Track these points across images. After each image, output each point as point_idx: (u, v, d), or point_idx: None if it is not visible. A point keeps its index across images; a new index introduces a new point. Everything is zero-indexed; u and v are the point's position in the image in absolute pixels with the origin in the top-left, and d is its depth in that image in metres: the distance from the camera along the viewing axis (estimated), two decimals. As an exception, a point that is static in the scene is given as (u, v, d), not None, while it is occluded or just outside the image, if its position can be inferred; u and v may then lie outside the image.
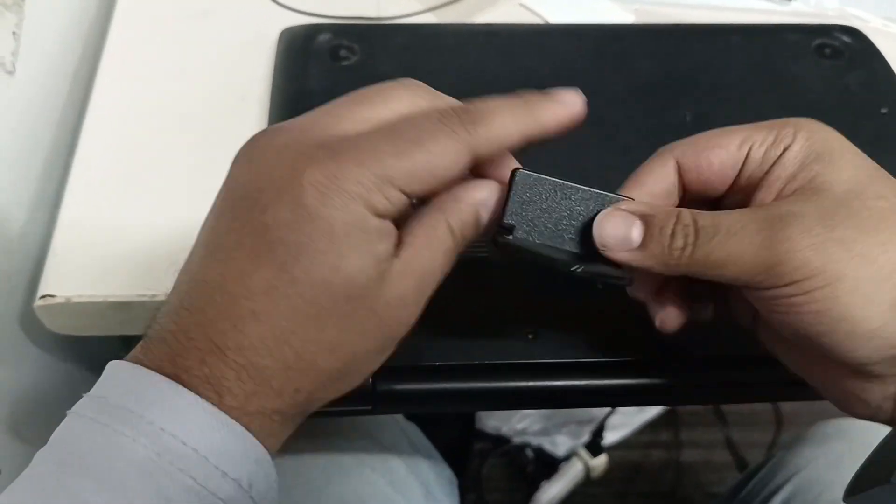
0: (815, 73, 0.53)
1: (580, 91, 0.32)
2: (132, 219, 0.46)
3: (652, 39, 0.54)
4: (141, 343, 0.29)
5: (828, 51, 0.54)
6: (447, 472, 0.73)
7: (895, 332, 0.29)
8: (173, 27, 0.57)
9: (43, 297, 0.43)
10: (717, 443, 1.23)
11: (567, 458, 1.17)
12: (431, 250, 0.30)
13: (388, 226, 0.29)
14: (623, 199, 0.32)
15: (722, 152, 0.32)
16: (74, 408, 0.28)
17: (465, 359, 0.39)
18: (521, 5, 0.59)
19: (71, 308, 0.43)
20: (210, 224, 0.30)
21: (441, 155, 0.28)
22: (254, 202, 0.28)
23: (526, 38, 0.54)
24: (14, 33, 0.48)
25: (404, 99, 0.30)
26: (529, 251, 0.31)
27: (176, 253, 0.45)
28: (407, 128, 0.28)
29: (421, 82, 0.31)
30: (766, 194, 0.31)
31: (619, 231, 0.31)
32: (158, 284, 0.44)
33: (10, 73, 0.48)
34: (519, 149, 0.32)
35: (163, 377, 0.27)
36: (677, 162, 0.33)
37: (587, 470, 1.15)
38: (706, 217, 0.30)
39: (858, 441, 0.63)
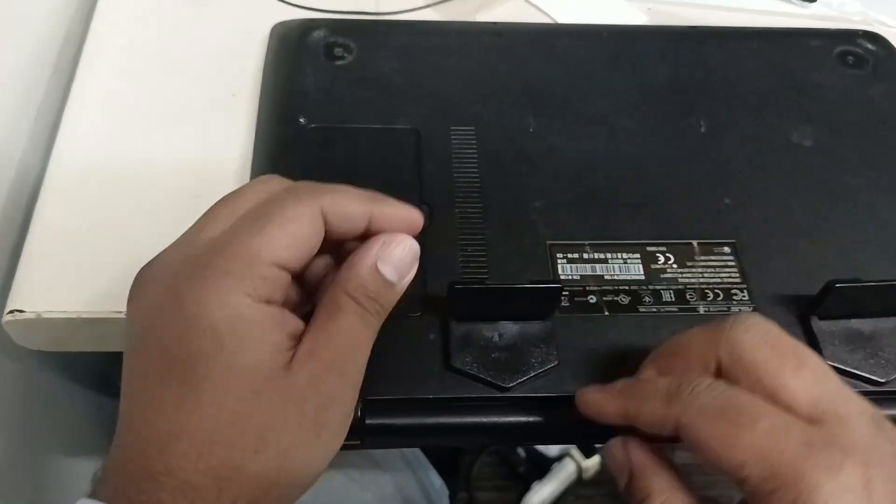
0: (837, 82, 0.50)
1: (420, 213, 0.34)
2: (110, 228, 0.43)
3: (665, 42, 0.51)
4: (98, 477, 0.29)
5: (850, 59, 0.52)
6: (438, 483, 0.71)
7: None
8: (160, 16, 0.53)
9: (11, 311, 0.40)
10: (711, 444, 1.21)
11: (559, 458, 1.15)
12: (337, 325, 0.30)
13: (276, 311, 0.29)
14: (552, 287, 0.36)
15: None
16: None
17: (461, 392, 0.36)
18: (528, 2, 0.56)
19: (41, 324, 0.40)
20: (124, 365, 0.30)
21: (295, 219, 0.30)
22: (149, 331, 0.29)
23: (533, 38, 0.51)
24: (-15, 24, 0.45)
25: (260, 190, 0.32)
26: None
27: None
28: (261, 208, 0.30)
29: (277, 175, 0.33)
30: None
31: None
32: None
33: (-20, 67, 0.45)
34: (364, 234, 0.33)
35: None
36: None
37: (579, 471, 1.13)
38: None
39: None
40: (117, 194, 0.45)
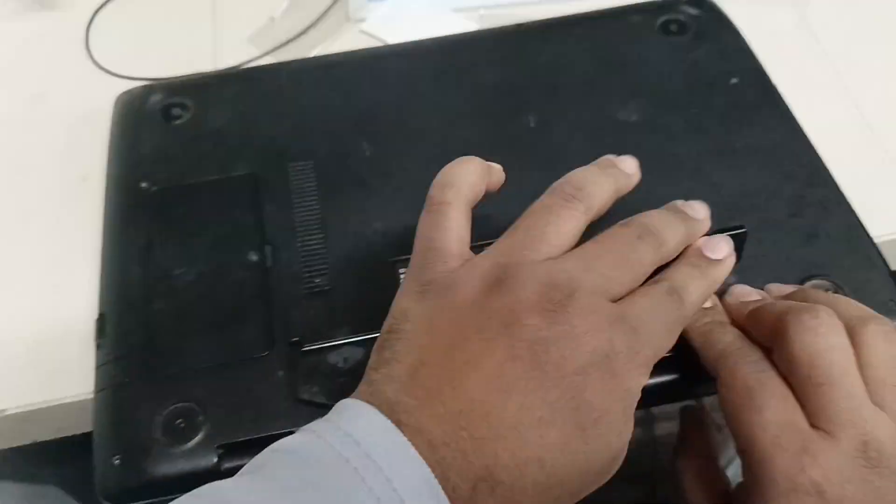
0: (660, 52, 0.52)
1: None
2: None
3: (491, 44, 0.53)
4: (402, 412, 0.29)
5: (673, 27, 0.53)
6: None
7: None
8: (4, 114, 0.55)
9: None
10: (688, 412, 1.21)
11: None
12: None
13: None
14: None
15: None
16: (317, 429, 0.29)
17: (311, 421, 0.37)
18: (363, 32, 0.57)
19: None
20: (496, 359, 0.29)
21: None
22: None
23: (364, 63, 0.52)
24: None
25: None
26: None
27: (21, 357, 0.43)
28: None
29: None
30: None
31: None
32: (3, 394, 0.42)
33: None
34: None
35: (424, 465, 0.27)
36: None
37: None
38: None
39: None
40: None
